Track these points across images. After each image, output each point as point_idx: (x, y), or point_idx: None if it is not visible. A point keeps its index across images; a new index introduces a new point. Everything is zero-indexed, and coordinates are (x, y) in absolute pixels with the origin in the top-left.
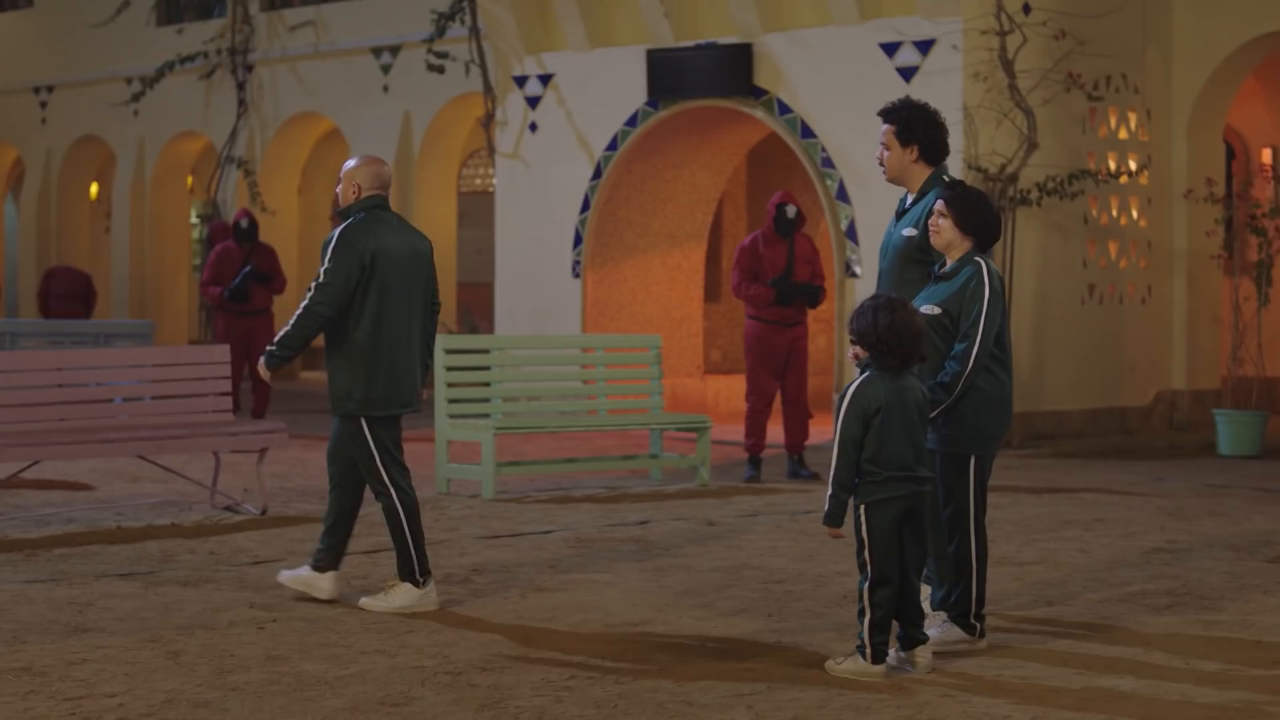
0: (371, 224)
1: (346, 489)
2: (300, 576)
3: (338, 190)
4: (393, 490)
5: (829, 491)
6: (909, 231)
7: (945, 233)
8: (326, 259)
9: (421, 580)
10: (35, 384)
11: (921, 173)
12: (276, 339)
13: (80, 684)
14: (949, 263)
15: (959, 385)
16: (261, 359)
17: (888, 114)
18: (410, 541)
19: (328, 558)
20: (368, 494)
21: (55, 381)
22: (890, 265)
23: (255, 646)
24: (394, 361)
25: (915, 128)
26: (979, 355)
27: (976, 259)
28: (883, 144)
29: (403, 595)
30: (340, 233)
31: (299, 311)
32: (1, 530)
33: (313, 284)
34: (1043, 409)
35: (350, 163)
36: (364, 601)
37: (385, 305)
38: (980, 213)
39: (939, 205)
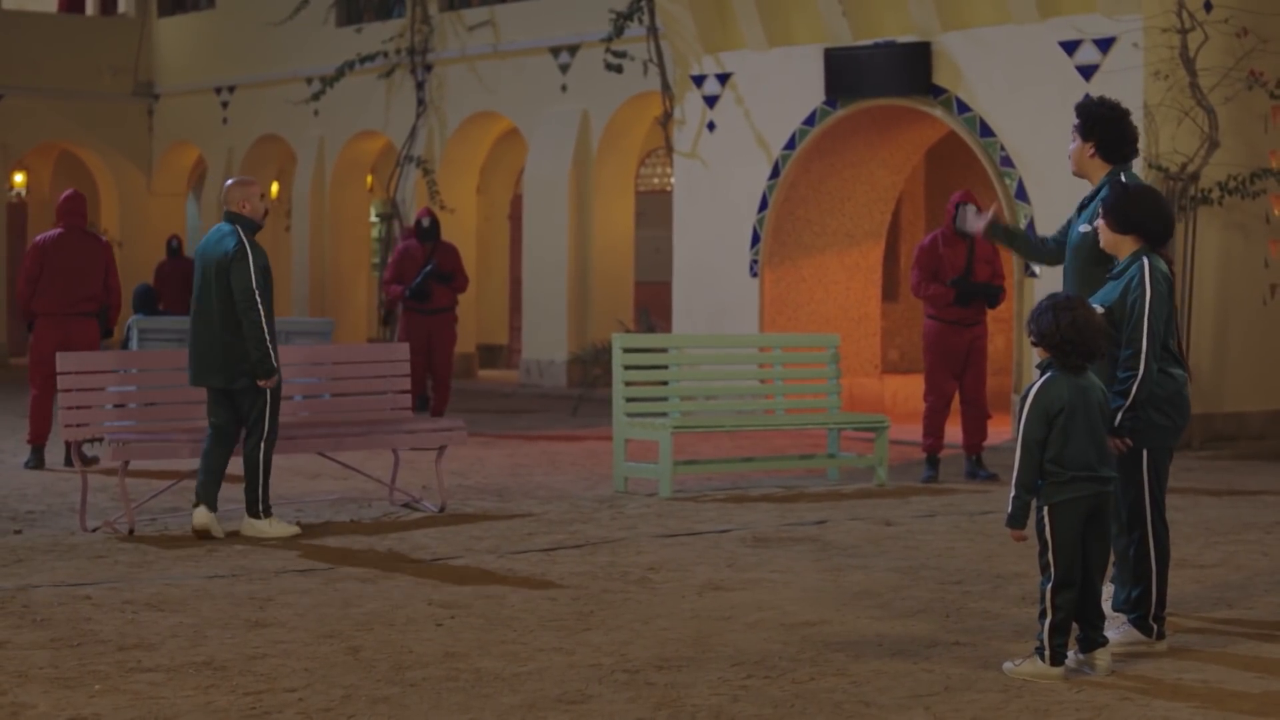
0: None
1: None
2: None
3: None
4: None
5: (1012, 493)
6: (1084, 228)
7: (1104, 235)
8: None
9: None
10: None
11: (1099, 169)
12: None
13: (260, 678)
14: (1118, 261)
15: (1136, 389)
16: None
17: (1077, 107)
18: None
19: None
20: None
21: None
22: (1069, 263)
23: (433, 643)
24: (193, 346)
25: (1093, 124)
26: (1148, 356)
27: (1142, 258)
28: (1072, 134)
29: None
30: None
31: None
32: (183, 525)
33: None
34: (1224, 410)
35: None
36: None
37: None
38: (1136, 211)
39: (1100, 208)
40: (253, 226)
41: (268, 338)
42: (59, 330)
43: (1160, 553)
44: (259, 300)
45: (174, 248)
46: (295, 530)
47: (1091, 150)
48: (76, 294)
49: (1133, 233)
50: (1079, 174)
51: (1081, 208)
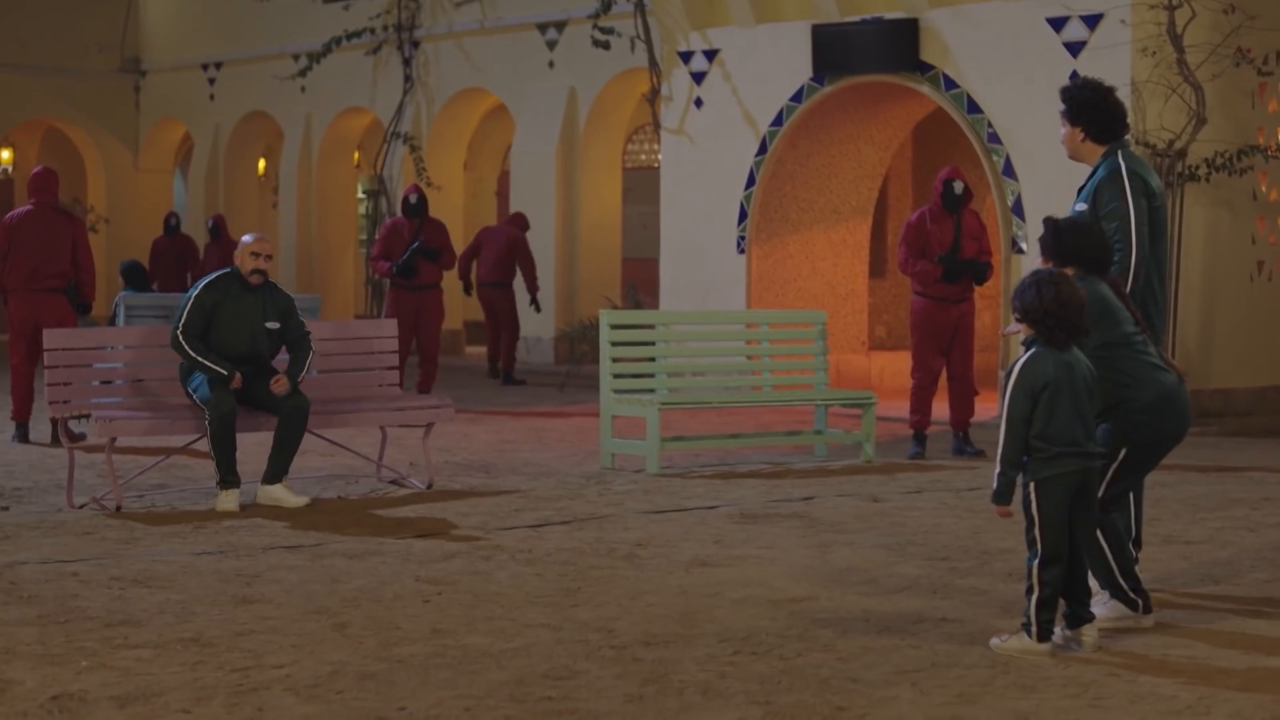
0: None
1: None
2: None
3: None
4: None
5: (997, 469)
6: (1080, 207)
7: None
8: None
9: None
10: None
11: (1092, 151)
12: None
13: (247, 654)
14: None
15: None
16: None
17: (1062, 92)
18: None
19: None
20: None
21: None
22: None
23: (420, 619)
24: None
25: (1080, 109)
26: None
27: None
28: (1061, 120)
29: None
30: None
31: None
32: (170, 502)
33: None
34: (1210, 387)
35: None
36: None
37: None
38: (1068, 243)
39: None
40: (226, 275)
41: (196, 358)
42: (27, 306)
43: (1111, 535)
44: (180, 336)
45: (172, 225)
46: (234, 508)
47: (1082, 135)
48: (43, 270)
49: (1069, 264)
50: (1074, 158)
51: (1080, 189)
